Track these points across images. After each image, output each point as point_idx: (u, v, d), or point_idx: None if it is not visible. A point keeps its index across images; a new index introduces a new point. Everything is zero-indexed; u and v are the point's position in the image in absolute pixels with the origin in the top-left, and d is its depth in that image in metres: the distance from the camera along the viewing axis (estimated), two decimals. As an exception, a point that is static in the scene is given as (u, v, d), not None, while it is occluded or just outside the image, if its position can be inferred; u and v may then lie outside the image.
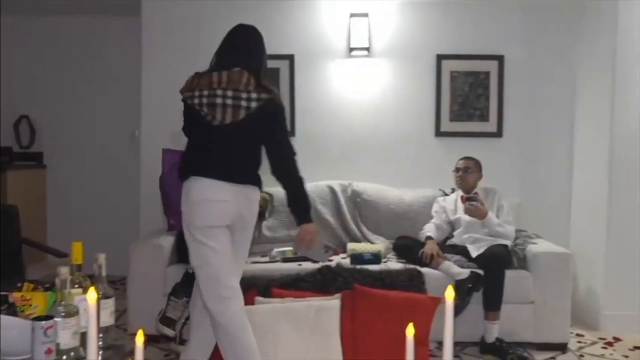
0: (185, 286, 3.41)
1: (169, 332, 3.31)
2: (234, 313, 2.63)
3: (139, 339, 1.19)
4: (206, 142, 2.68)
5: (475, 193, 3.87)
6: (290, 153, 2.76)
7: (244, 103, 2.61)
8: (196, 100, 2.63)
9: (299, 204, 2.80)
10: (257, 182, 2.76)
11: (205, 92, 2.62)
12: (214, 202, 2.62)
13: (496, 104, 4.61)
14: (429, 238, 3.82)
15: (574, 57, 4.53)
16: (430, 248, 3.70)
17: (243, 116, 2.62)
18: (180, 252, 3.77)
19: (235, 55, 2.73)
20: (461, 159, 4.01)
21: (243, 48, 2.77)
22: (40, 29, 5.34)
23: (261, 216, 4.05)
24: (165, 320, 3.31)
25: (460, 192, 3.99)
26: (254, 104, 2.62)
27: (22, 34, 5.29)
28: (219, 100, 2.61)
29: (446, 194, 4.26)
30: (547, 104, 4.60)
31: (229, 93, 2.61)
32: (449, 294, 1.23)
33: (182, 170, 2.72)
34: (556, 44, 4.56)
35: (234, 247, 2.71)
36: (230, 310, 2.62)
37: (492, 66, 4.60)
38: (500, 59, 4.59)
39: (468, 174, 3.93)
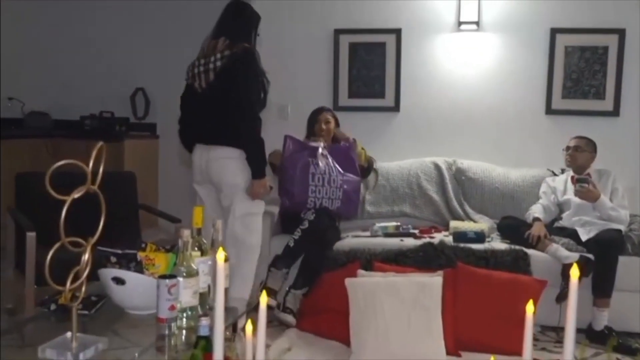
0: (286, 258, 3.52)
1: (272, 302, 3.43)
2: None
3: (263, 299, 1.25)
4: (188, 109, 3.17)
5: (588, 174, 3.71)
6: (247, 116, 2.97)
7: (211, 65, 2.97)
8: (186, 76, 3.11)
9: (252, 164, 3.03)
10: (230, 142, 3.00)
11: (189, 67, 3.09)
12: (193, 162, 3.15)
13: (614, 81, 4.35)
14: (536, 219, 3.70)
15: None
16: (537, 229, 3.59)
17: (212, 78, 2.96)
18: (285, 224, 3.89)
19: (217, 28, 3.10)
20: (573, 138, 3.85)
21: (224, 21, 3.12)
22: (159, 4, 5.54)
23: (368, 172, 4.14)
24: (267, 290, 3.44)
25: (570, 173, 3.83)
26: (218, 63, 2.95)
27: (139, 9, 5.53)
28: (198, 69, 3.02)
29: (555, 174, 4.10)
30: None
31: (202, 60, 3.02)
32: (574, 272, 1.19)
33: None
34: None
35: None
36: None
37: (611, 40, 4.33)
38: (621, 32, 4.31)
39: (579, 152, 3.78)
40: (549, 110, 4.45)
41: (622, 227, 3.59)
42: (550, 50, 4.42)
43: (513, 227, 3.77)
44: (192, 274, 1.92)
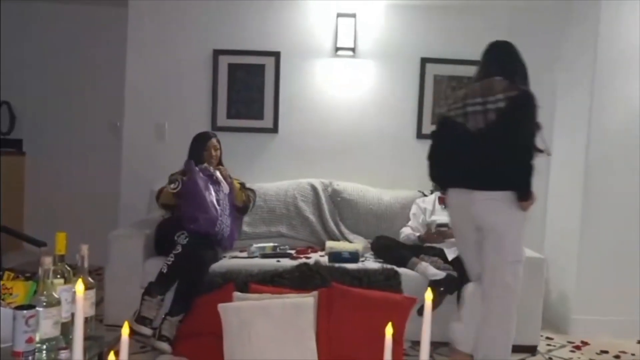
0: (160, 284, 3.41)
1: (147, 331, 3.31)
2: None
3: (125, 330, 1.22)
4: (455, 148, 3.01)
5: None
6: (527, 160, 2.84)
7: (491, 106, 2.84)
8: (452, 113, 2.98)
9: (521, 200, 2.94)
10: (503, 185, 2.89)
11: (460, 104, 2.96)
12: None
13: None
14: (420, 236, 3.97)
15: (556, 58, 4.60)
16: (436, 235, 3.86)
17: (493, 118, 2.84)
18: (159, 246, 3.78)
19: (489, 67, 3.02)
20: None
21: (497, 61, 3.03)
22: (24, 15, 5.29)
23: (244, 211, 4.07)
24: (141, 319, 3.32)
25: (438, 194, 4.04)
26: (501, 104, 2.82)
27: (5, 19, 5.22)
28: (473, 108, 2.90)
29: (425, 195, 4.32)
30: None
31: (479, 99, 2.90)
32: (428, 295, 1.27)
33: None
34: (540, 47, 4.61)
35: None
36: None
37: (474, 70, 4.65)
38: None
39: None
40: (420, 135, 4.69)
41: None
42: (421, 78, 4.68)
43: (386, 247, 3.93)
44: (53, 303, 1.83)
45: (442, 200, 3.91)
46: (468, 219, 3.05)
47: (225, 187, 3.81)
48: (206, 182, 3.71)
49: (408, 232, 4.06)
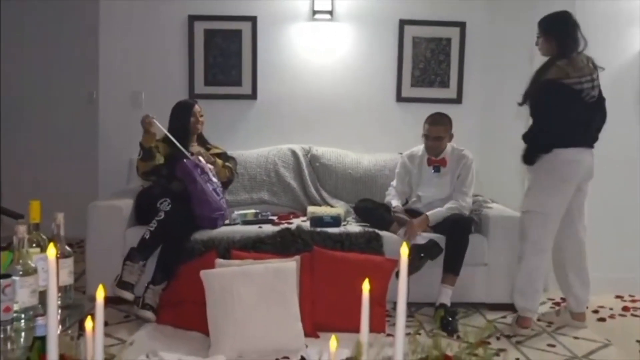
0: (142, 250, 3.41)
1: (129, 295, 3.32)
2: None
3: (99, 294, 1.21)
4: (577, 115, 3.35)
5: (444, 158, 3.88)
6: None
7: (596, 83, 3.35)
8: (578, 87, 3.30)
9: None
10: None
11: (578, 78, 3.29)
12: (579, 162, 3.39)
13: (457, 70, 4.67)
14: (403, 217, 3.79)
15: (533, 21, 4.57)
16: (414, 230, 3.67)
17: (597, 94, 3.36)
18: (139, 214, 3.76)
19: (580, 40, 3.36)
20: (430, 123, 3.84)
21: (581, 35, 3.38)
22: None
23: (228, 185, 4.06)
24: (122, 284, 3.32)
25: (425, 155, 3.93)
26: (596, 83, 3.34)
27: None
28: (588, 84, 3.31)
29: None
30: (506, 71, 4.65)
31: (590, 77, 3.32)
32: (404, 250, 1.27)
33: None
34: (516, 12, 4.59)
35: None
36: None
37: (453, 33, 4.64)
38: (462, 25, 4.63)
39: (440, 141, 3.85)
40: (400, 98, 4.68)
41: (467, 213, 3.82)
42: (400, 40, 4.64)
43: (369, 210, 3.93)
44: (29, 272, 1.81)
45: (431, 162, 3.89)
46: (580, 176, 3.40)
47: (212, 172, 3.78)
48: (200, 175, 3.67)
49: (390, 196, 4.00)
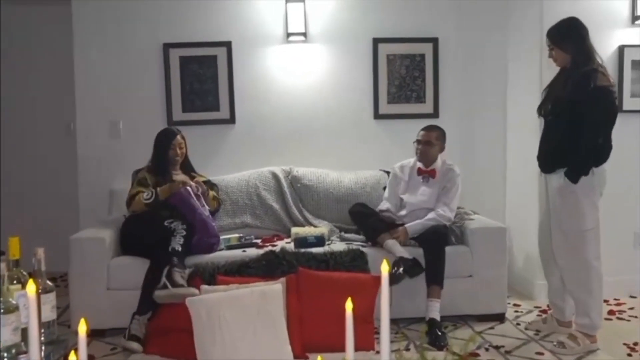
0: (151, 304, 3.36)
1: (138, 347, 3.28)
2: None
3: (82, 328, 1.20)
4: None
5: (433, 170, 3.91)
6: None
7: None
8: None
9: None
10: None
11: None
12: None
13: (432, 85, 4.72)
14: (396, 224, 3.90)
15: (504, 34, 4.66)
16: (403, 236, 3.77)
17: None
18: (125, 244, 3.73)
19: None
20: (423, 129, 3.94)
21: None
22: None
23: (215, 214, 4.06)
24: (132, 337, 3.30)
25: (419, 164, 3.97)
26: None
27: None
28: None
29: (386, 172, 4.30)
30: (481, 83, 4.74)
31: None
32: (384, 267, 1.28)
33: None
34: (487, 23, 4.68)
35: None
36: None
37: (427, 48, 4.70)
38: (434, 40, 4.69)
39: (429, 147, 3.89)
40: (377, 115, 4.71)
41: (447, 223, 3.85)
42: (374, 58, 4.68)
43: (362, 214, 3.94)
44: (10, 309, 1.78)
45: (421, 172, 3.92)
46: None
47: (203, 200, 3.82)
48: (196, 202, 3.72)
49: (384, 209, 4.02)
